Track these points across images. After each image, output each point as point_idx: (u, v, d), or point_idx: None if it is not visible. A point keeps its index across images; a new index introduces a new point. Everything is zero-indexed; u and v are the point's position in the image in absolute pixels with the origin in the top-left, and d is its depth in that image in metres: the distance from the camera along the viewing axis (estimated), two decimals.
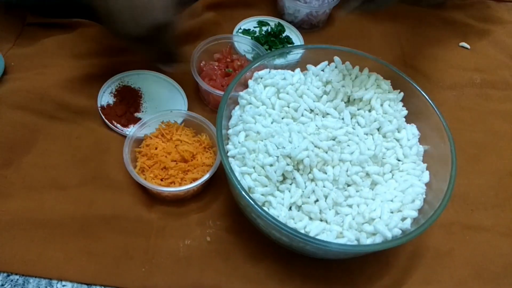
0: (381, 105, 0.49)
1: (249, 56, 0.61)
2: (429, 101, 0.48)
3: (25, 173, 0.49)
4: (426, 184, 0.46)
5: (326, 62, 0.52)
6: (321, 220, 0.44)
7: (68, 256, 0.45)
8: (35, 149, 0.51)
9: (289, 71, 0.52)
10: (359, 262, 0.47)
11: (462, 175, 0.54)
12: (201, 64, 0.59)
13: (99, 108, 0.54)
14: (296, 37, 0.66)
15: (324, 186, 0.44)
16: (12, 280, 0.43)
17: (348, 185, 0.45)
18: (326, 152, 0.46)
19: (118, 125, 0.53)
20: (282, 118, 0.48)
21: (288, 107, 0.49)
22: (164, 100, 0.56)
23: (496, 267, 0.49)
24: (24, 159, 0.50)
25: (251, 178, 0.44)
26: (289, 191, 0.44)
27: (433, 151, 0.48)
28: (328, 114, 0.49)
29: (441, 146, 0.46)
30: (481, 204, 0.53)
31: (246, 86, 0.50)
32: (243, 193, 0.40)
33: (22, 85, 0.54)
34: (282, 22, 0.67)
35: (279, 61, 0.56)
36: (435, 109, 0.47)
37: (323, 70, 0.51)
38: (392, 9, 0.73)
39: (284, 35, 0.66)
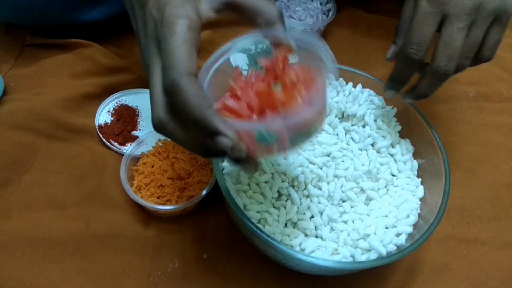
0: (375, 120, 0.50)
1: (244, 73, 0.61)
2: (422, 116, 0.49)
3: (23, 192, 0.50)
4: (421, 199, 0.46)
5: None
6: (316, 237, 0.44)
7: (65, 275, 0.45)
8: (34, 168, 0.51)
9: None
10: (355, 278, 0.47)
11: (458, 188, 0.55)
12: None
13: (97, 127, 0.55)
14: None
15: (319, 202, 0.45)
16: None
17: (343, 201, 0.46)
18: (321, 168, 0.46)
19: (116, 144, 0.54)
20: None
21: None
22: None
23: (493, 281, 0.49)
24: (23, 178, 0.51)
25: (246, 196, 0.44)
26: (285, 208, 0.44)
27: (427, 166, 0.48)
28: (322, 130, 0.50)
29: (435, 160, 0.46)
30: (477, 217, 0.53)
31: None
32: (238, 210, 0.40)
33: (21, 105, 0.55)
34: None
35: None
36: (428, 123, 0.48)
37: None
38: (386, 24, 0.74)
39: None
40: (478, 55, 0.43)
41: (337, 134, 0.50)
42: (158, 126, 0.31)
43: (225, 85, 0.35)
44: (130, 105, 0.58)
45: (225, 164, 0.46)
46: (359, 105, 0.50)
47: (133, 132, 0.56)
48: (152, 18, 0.32)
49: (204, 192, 0.48)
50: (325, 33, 0.71)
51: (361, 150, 0.49)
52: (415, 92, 0.45)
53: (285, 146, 0.33)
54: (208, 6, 0.34)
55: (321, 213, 0.44)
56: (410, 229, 0.44)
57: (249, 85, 0.34)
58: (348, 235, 0.43)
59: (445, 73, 0.42)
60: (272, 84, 0.34)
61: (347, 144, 0.49)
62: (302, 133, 0.33)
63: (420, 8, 0.41)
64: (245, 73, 0.40)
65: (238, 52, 0.40)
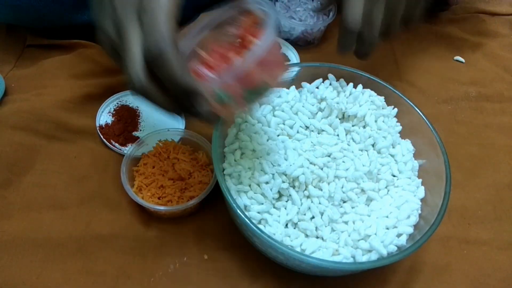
0: (376, 121, 0.50)
1: None
2: (423, 116, 0.49)
3: (24, 193, 0.50)
4: (422, 200, 0.46)
5: (320, 79, 0.52)
6: (317, 237, 0.44)
7: (66, 276, 0.45)
8: (34, 169, 0.52)
9: (285, 88, 0.53)
10: (356, 279, 0.47)
11: (459, 188, 0.55)
12: None
13: (98, 128, 0.55)
14: (292, 54, 0.67)
15: (320, 203, 0.45)
16: None
17: (344, 202, 0.46)
18: (322, 169, 0.46)
19: (116, 144, 0.54)
20: (278, 135, 0.49)
21: (284, 124, 0.50)
22: (161, 119, 0.57)
23: (494, 281, 0.49)
24: (23, 179, 0.51)
25: (247, 196, 0.44)
26: (285, 208, 0.44)
27: (428, 166, 0.48)
28: (323, 130, 0.50)
29: (435, 161, 0.46)
30: (478, 218, 0.53)
31: None
32: (239, 211, 0.40)
33: (22, 106, 0.55)
34: (278, 39, 0.68)
35: None
36: (429, 124, 0.48)
37: (317, 87, 0.52)
38: None
39: (280, 52, 0.67)
40: None
41: (337, 135, 0.49)
42: (138, 87, 0.34)
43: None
44: (130, 105, 0.58)
45: (226, 164, 0.46)
46: (360, 106, 0.50)
47: (134, 133, 0.56)
48: None
49: (204, 193, 0.48)
50: (326, 33, 0.71)
51: (361, 150, 0.49)
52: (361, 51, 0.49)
53: (242, 103, 0.38)
54: None
55: (322, 214, 0.44)
56: (411, 230, 0.44)
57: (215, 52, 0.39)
58: (349, 236, 0.43)
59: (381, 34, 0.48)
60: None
61: (348, 144, 0.49)
62: (253, 89, 0.37)
63: None
64: None
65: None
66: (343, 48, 0.48)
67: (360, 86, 0.52)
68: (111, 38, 0.36)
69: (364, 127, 0.50)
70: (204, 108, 0.34)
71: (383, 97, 0.51)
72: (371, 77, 0.52)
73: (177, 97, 0.34)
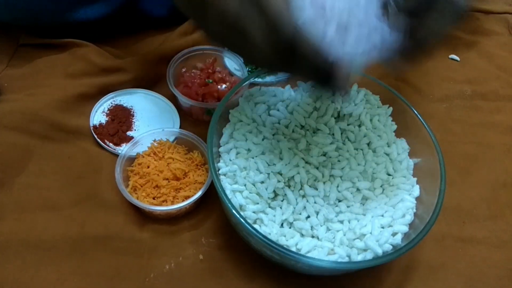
0: (371, 120, 0.50)
1: (238, 74, 0.61)
2: (418, 115, 0.49)
3: (18, 194, 0.49)
4: (417, 198, 0.46)
5: None
6: (312, 237, 0.44)
7: (61, 277, 0.45)
8: (28, 170, 0.51)
9: (280, 88, 0.52)
10: (352, 278, 0.47)
11: (454, 187, 0.55)
12: (182, 70, 0.60)
13: (92, 128, 0.54)
14: None
15: (315, 202, 0.45)
16: None
17: (339, 201, 0.46)
18: (317, 168, 0.46)
19: (111, 144, 0.54)
20: (273, 135, 0.49)
21: (279, 123, 0.49)
22: (156, 118, 0.57)
23: (489, 279, 0.49)
24: (17, 180, 0.50)
25: (242, 196, 0.44)
26: (281, 208, 0.44)
27: (423, 165, 0.48)
28: (318, 130, 0.50)
29: (430, 159, 0.46)
30: (473, 216, 0.54)
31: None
32: (234, 211, 0.40)
33: (15, 106, 0.55)
34: None
35: (269, 78, 0.57)
36: (424, 122, 0.48)
37: (313, 87, 0.52)
38: None
39: None
40: None
41: (333, 134, 0.49)
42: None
43: None
44: (125, 105, 0.57)
45: (221, 164, 0.46)
46: (355, 105, 0.50)
47: (128, 133, 0.55)
48: None
49: (200, 193, 0.48)
50: None
51: (357, 149, 0.49)
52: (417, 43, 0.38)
53: None
54: None
55: (317, 213, 0.44)
56: (406, 229, 0.44)
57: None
58: (344, 235, 0.43)
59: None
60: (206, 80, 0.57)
61: (343, 143, 0.49)
62: None
63: None
64: (237, 73, 0.61)
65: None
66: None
67: (355, 85, 0.52)
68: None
69: (359, 126, 0.50)
70: (341, 81, 0.34)
71: (378, 96, 0.51)
72: (367, 76, 0.51)
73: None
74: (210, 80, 0.58)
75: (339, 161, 0.47)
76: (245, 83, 0.50)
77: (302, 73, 0.36)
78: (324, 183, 0.45)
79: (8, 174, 0.50)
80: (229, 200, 0.41)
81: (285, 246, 0.41)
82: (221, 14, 0.34)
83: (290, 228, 0.44)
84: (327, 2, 0.33)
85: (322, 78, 0.35)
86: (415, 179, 0.48)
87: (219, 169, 0.46)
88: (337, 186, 0.45)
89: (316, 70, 0.34)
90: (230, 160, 0.46)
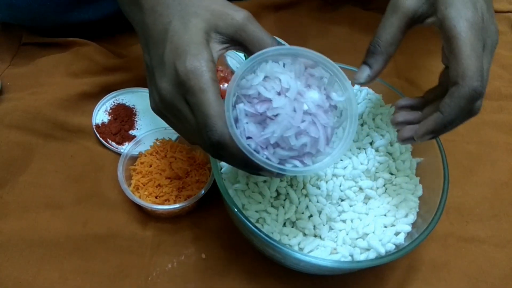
0: (373, 119, 0.50)
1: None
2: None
3: (20, 193, 0.49)
4: (420, 198, 0.46)
5: None
6: (315, 236, 0.44)
7: (63, 276, 0.45)
8: (30, 169, 0.51)
9: None
10: (354, 277, 0.47)
11: (457, 186, 0.55)
12: None
13: (94, 127, 0.54)
14: None
15: (318, 202, 0.45)
16: None
17: (342, 200, 0.46)
18: None
19: (113, 143, 0.54)
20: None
21: None
22: (158, 118, 0.57)
23: (492, 279, 0.49)
24: (20, 178, 0.50)
25: (244, 195, 0.44)
26: (283, 207, 0.44)
27: (426, 164, 0.48)
28: None
29: (433, 159, 0.46)
30: (476, 215, 0.53)
31: None
32: (236, 210, 0.40)
33: (17, 104, 0.55)
34: (276, 38, 0.68)
35: None
36: None
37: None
38: None
39: None
40: None
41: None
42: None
43: None
44: (127, 104, 0.57)
45: (223, 163, 0.46)
46: (358, 104, 0.50)
47: (131, 132, 0.55)
48: (172, 65, 0.33)
49: (202, 192, 0.48)
50: (324, 31, 0.71)
51: (359, 148, 0.48)
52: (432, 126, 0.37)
53: None
54: (219, 46, 0.35)
55: (320, 212, 0.44)
56: (409, 228, 0.44)
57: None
58: (347, 234, 0.43)
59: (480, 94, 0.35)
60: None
61: None
62: None
63: (466, 35, 0.34)
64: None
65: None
66: (443, 129, 0.37)
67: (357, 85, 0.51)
68: (161, 110, 0.36)
69: (362, 125, 0.50)
70: (267, 175, 0.36)
71: (380, 95, 0.51)
72: None
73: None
74: None
75: (341, 160, 0.47)
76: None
77: (234, 165, 0.36)
78: (326, 182, 0.45)
79: (10, 173, 0.50)
80: (231, 199, 0.41)
81: (287, 246, 0.41)
82: (159, 92, 0.35)
83: (292, 227, 0.44)
84: (272, 104, 0.33)
85: (251, 171, 0.35)
86: (418, 178, 0.47)
87: (221, 168, 0.46)
88: (340, 185, 0.45)
89: (245, 167, 0.35)
90: None
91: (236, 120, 0.33)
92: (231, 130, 0.32)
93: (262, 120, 0.33)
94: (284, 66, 0.35)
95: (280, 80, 0.34)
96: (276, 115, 0.33)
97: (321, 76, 0.36)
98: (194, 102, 0.32)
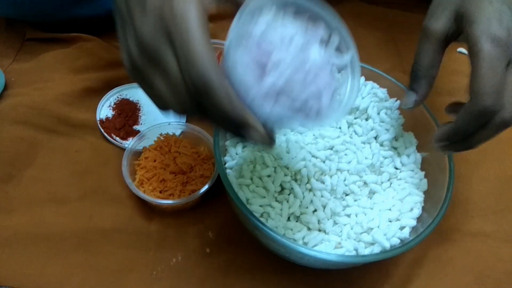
0: (378, 113, 0.49)
1: None
2: (426, 108, 0.48)
3: (25, 188, 0.50)
4: (425, 192, 0.46)
5: None
6: (319, 231, 0.44)
7: (68, 270, 0.45)
8: (35, 164, 0.51)
9: None
10: (359, 272, 0.47)
11: (462, 181, 0.54)
12: None
13: (98, 122, 0.55)
14: None
15: (322, 196, 0.45)
16: None
17: (346, 195, 0.45)
18: (324, 162, 0.46)
19: (117, 138, 0.54)
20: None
21: None
22: (162, 113, 0.57)
23: (497, 274, 0.48)
24: (25, 173, 0.51)
25: (249, 190, 0.44)
26: (287, 202, 0.44)
27: (431, 159, 0.48)
28: None
29: (438, 153, 0.46)
30: (481, 210, 0.53)
31: None
32: (240, 205, 0.40)
33: (22, 100, 0.55)
34: None
35: None
36: (432, 116, 0.47)
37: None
38: (389, 16, 0.73)
39: None
40: None
41: (340, 127, 0.49)
42: (195, 112, 0.30)
43: None
44: (131, 99, 0.58)
45: (227, 158, 0.46)
46: (362, 98, 0.50)
47: (135, 127, 0.55)
48: (157, 9, 0.29)
49: (206, 186, 0.48)
50: None
51: (364, 143, 0.48)
52: (467, 145, 0.39)
53: None
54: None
55: (324, 207, 0.44)
56: (413, 223, 0.43)
57: None
58: (351, 229, 0.43)
59: (492, 112, 0.36)
60: None
61: (350, 137, 0.48)
62: None
63: (485, 53, 0.34)
64: None
65: None
66: (454, 137, 0.39)
67: (362, 79, 0.51)
68: (137, 63, 0.31)
69: (366, 119, 0.50)
70: (255, 138, 0.31)
71: (385, 89, 0.51)
72: (374, 69, 0.51)
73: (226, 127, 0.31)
74: None
75: (346, 154, 0.47)
76: None
77: (214, 120, 0.31)
78: (331, 176, 0.45)
79: (16, 168, 0.50)
80: (235, 194, 0.41)
81: (292, 240, 0.41)
82: (139, 40, 0.30)
83: (297, 221, 0.44)
84: (273, 54, 0.30)
85: (238, 130, 0.31)
86: (423, 173, 0.47)
87: (225, 163, 0.46)
88: (344, 180, 0.45)
89: (229, 121, 0.30)
90: (237, 153, 0.46)
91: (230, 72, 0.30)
92: (225, 63, 0.28)
93: (261, 72, 0.30)
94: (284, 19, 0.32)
95: (281, 32, 0.31)
96: (277, 66, 0.30)
97: (324, 32, 0.34)
98: (179, 43, 0.28)
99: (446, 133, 0.39)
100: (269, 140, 0.31)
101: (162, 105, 0.31)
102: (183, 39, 0.28)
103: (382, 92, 0.50)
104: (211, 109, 0.29)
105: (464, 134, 0.38)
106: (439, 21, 0.39)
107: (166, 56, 0.29)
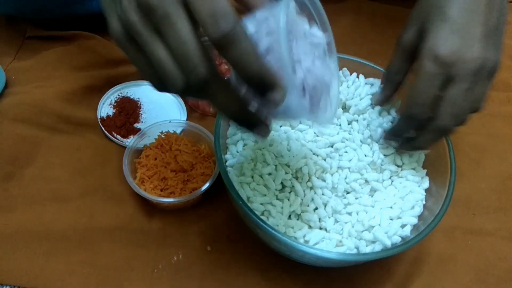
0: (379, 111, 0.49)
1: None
2: None
3: (27, 186, 0.50)
4: (426, 190, 0.46)
5: None
6: (320, 229, 0.43)
7: (70, 268, 0.45)
8: (36, 162, 0.51)
9: None
10: (360, 270, 0.47)
11: (464, 179, 0.54)
12: None
13: (99, 120, 0.55)
14: None
15: (323, 194, 0.44)
16: None
17: (347, 193, 0.45)
18: (325, 160, 0.46)
19: (118, 136, 0.54)
20: (280, 126, 0.48)
21: None
22: (163, 110, 0.57)
23: (499, 272, 0.48)
24: (26, 172, 0.51)
25: (249, 188, 0.44)
26: (288, 200, 0.44)
27: (432, 156, 0.48)
28: None
29: (440, 151, 0.46)
30: (483, 208, 0.53)
31: None
32: (241, 203, 0.40)
33: (22, 98, 0.55)
34: None
35: None
36: None
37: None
38: (390, 13, 0.73)
39: None
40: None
41: (340, 125, 0.49)
42: (201, 86, 0.28)
43: None
44: (132, 97, 0.57)
45: (228, 156, 0.46)
46: (361, 99, 0.49)
47: (136, 125, 0.55)
48: None
49: (207, 185, 0.48)
50: (329, 23, 0.70)
51: (362, 141, 0.48)
52: (413, 145, 0.44)
53: None
54: None
55: (325, 205, 0.44)
56: (415, 220, 0.43)
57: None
58: (353, 227, 0.43)
59: (449, 130, 0.41)
60: None
61: (350, 134, 0.48)
62: None
63: (425, 69, 0.39)
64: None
65: None
66: (394, 135, 0.45)
67: (361, 76, 0.51)
68: (136, 28, 0.28)
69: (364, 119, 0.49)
70: (278, 100, 0.29)
71: None
72: (375, 66, 0.51)
73: (249, 92, 0.29)
74: None
75: (346, 152, 0.47)
76: None
77: (221, 93, 0.29)
78: (332, 174, 0.45)
79: (17, 166, 0.51)
80: (236, 192, 0.41)
81: (292, 238, 0.41)
82: None
83: (298, 219, 0.44)
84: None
85: (259, 92, 0.29)
86: (425, 171, 0.47)
87: (226, 161, 0.46)
88: (345, 178, 0.45)
89: (252, 78, 0.28)
90: (237, 152, 0.46)
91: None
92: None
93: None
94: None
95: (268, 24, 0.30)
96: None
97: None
98: None
99: (390, 132, 0.46)
100: (266, 127, 0.32)
101: (159, 77, 0.29)
102: None
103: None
104: (236, 61, 0.27)
105: (401, 134, 0.44)
106: (407, 34, 0.42)
107: (177, 15, 0.26)
